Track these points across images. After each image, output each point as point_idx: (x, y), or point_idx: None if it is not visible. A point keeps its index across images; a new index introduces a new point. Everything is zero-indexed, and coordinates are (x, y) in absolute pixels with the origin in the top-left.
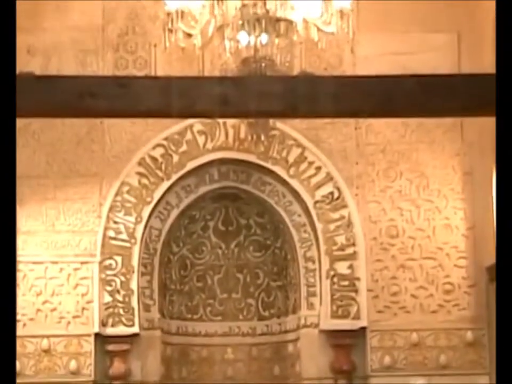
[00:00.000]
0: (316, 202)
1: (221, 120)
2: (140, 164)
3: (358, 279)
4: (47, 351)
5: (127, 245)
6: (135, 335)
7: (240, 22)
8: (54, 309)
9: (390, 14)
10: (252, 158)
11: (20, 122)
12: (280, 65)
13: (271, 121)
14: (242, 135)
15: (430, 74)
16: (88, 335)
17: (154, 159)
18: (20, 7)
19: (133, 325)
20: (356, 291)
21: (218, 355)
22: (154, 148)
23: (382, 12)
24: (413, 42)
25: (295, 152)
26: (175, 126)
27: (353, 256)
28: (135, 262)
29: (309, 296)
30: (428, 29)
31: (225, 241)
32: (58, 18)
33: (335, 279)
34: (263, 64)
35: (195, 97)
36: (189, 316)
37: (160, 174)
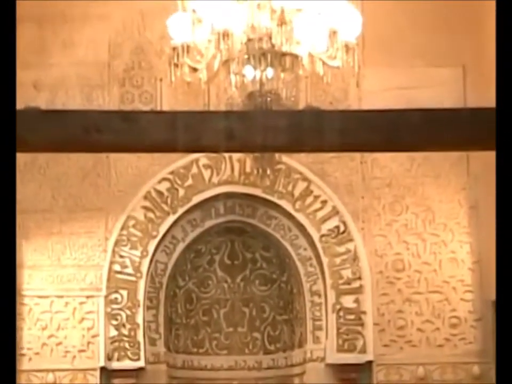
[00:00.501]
0: (322, 236)
1: (226, 154)
2: (145, 198)
3: (364, 312)
4: None
5: (133, 279)
6: (140, 369)
7: (246, 57)
8: (59, 343)
9: (395, 49)
10: (257, 192)
11: (26, 157)
12: (285, 100)
13: (276, 155)
14: (248, 169)
15: (435, 108)
16: (94, 369)
17: (160, 193)
18: (26, 43)
19: (138, 359)
20: (362, 325)
21: None
22: (160, 182)
23: (387, 46)
24: (418, 77)
25: (301, 186)
26: (181, 160)
27: (359, 290)
28: (140, 296)
29: (315, 330)
30: (433, 63)
31: (231, 275)
32: (65, 53)
33: (341, 313)
34: (269, 99)
35: (201, 131)
36: (195, 349)
37: (166, 208)
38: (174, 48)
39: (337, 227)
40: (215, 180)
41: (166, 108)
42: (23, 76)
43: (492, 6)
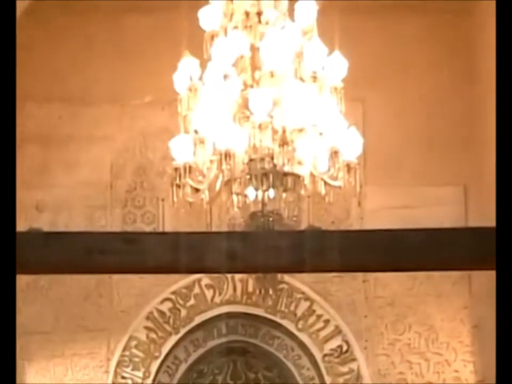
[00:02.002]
0: (325, 355)
1: (229, 274)
2: (148, 318)
3: None
4: None
5: None
6: None
7: (248, 177)
8: None
9: (396, 168)
10: (260, 311)
11: (28, 278)
12: (287, 219)
13: (279, 274)
14: (250, 288)
15: (437, 228)
16: None
17: (162, 313)
18: (29, 164)
19: None
20: None
21: None
22: (162, 302)
23: (388, 166)
24: (419, 196)
25: (303, 305)
26: (183, 280)
27: None
28: None
29: None
30: (434, 182)
31: None
32: (67, 174)
33: None
34: (271, 219)
35: (203, 252)
36: None
37: (168, 328)
38: (176, 169)
39: (340, 346)
40: (217, 299)
41: (168, 228)
42: (26, 197)
43: (492, 124)
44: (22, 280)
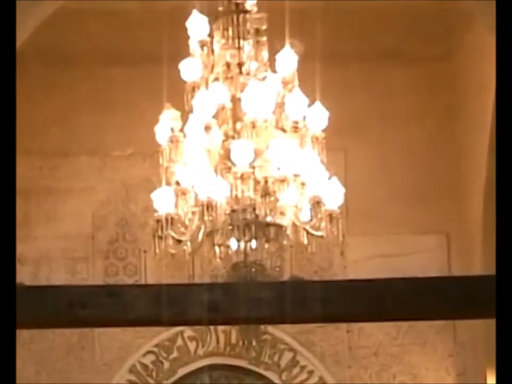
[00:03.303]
0: None
1: (211, 326)
2: (130, 371)
3: None
4: None
5: None
6: None
7: (230, 228)
8: None
9: (379, 217)
10: (243, 363)
11: None
12: (270, 270)
13: (262, 325)
14: (233, 340)
15: (419, 277)
16: None
17: (145, 366)
18: None
19: None
20: None
21: None
22: (144, 355)
23: (370, 215)
24: (402, 244)
25: (287, 356)
26: (166, 332)
27: None
28: None
29: None
30: (417, 231)
31: None
32: (49, 226)
33: None
34: (253, 269)
35: (185, 305)
36: None
37: (151, 381)
38: (158, 220)
39: None
40: (200, 351)
41: (150, 279)
42: None
43: (474, 173)
44: None
